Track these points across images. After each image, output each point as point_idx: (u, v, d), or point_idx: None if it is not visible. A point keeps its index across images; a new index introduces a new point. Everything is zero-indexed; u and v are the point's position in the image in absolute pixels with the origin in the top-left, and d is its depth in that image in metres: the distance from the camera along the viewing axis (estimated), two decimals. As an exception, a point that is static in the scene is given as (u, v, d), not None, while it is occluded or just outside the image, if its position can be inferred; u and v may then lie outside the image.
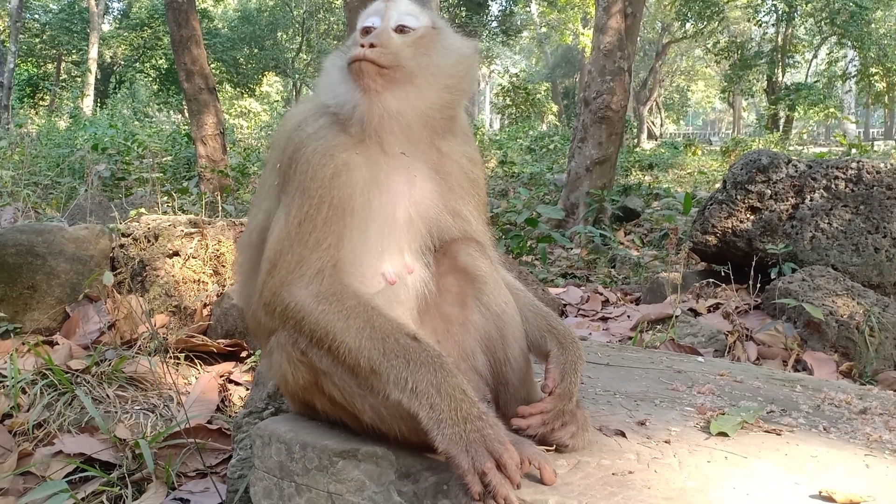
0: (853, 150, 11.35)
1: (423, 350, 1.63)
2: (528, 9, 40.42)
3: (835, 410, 2.29)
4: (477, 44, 2.00)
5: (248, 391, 3.31)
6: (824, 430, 2.09)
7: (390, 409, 1.65)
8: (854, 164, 5.16)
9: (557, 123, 32.84)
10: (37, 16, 34.75)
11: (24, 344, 3.67)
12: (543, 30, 43.75)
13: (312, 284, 1.71)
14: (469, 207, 1.98)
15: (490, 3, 36.00)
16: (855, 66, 33.12)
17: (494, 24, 37.69)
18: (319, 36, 38.91)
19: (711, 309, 4.85)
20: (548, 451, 1.76)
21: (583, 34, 34.05)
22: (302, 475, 1.75)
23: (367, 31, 1.88)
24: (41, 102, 32.06)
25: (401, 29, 1.86)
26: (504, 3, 37.20)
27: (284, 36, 40.32)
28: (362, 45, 1.79)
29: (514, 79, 29.72)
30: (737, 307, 4.67)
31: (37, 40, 34.22)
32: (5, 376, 3.28)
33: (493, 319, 1.89)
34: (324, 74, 1.94)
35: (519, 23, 40.82)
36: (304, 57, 39.02)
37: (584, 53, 32.74)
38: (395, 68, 1.79)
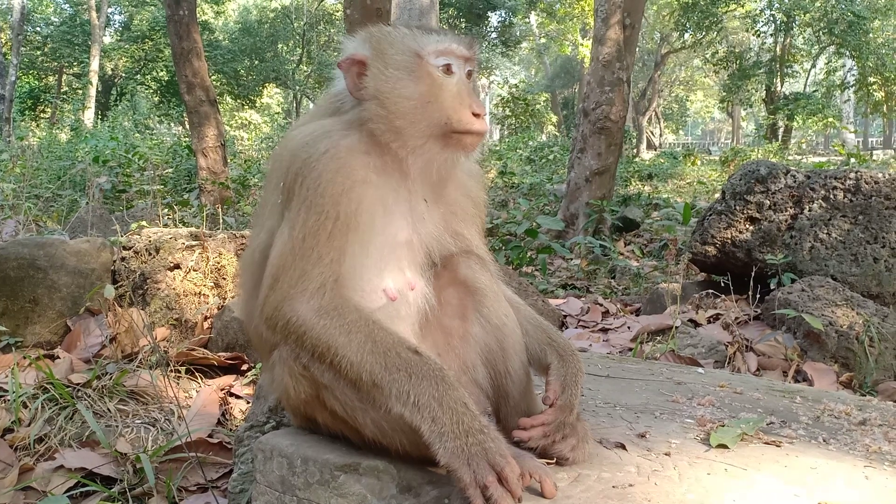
0: (852, 160, 11.37)
1: (424, 363, 1.64)
2: (527, 20, 40.64)
3: (834, 422, 2.30)
4: None
5: (249, 404, 3.31)
6: (824, 441, 2.09)
7: (392, 422, 1.66)
8: (852, 175, 5.18)
9: (557, 134, 32.95)
10: (38, 28, 34.90)
11: (25, 358, 3.67)
12: (542, 41, 43.98)
13: (314, 299, 1.72)
14: (471, 230, 2.02)
15: (489, 14, 36.19)
16: (853, 75, 33.23)
17: (494, 35, 37.89)
18: (320, 48, 39.07)
19: (711, 320, 4.85)
20: (548, 463, 1.77)
21: (582, 45, 34.21)
22: (304, 489, 1.76)
23: (448, 69, 1.84)
24: (42, 115, 32.16)
25: (469, 74, 1.89)
26: (503, 15, 37.40)
27: (285, 48, 40.49)
28: (476, 114, 1.82)
29: (514, 89, 29.86)
30: (736, 318, 4.68)
31: (38, 53, 34.37)
32: (6, 390, 3.28)
33: (494, 332, 1.90)
34: (392, 97, 1.84)
35: (518, 34, 41.02)
36: (305, 69, 39.17)
37: (584, 64, 32.86)
38: None
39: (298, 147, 1.84)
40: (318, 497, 1.74)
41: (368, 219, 1.80)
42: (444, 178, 1.94)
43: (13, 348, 4.06)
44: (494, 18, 37.73)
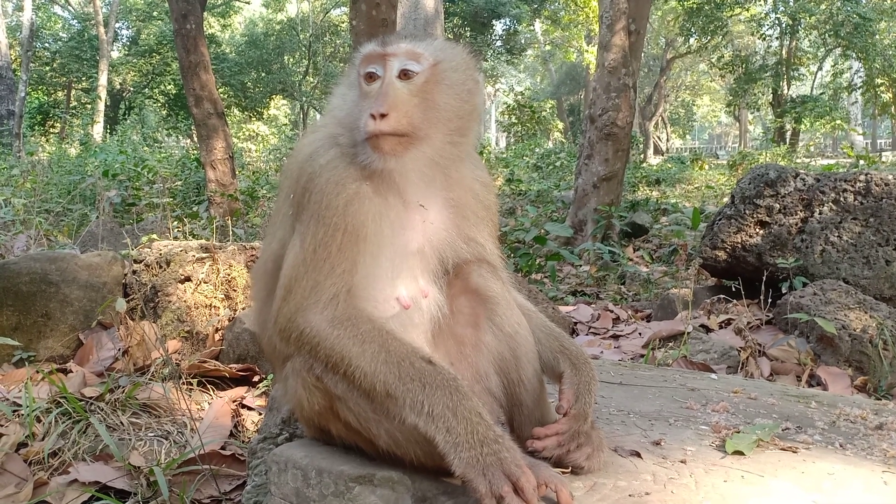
0: (861, 162, 11.32)
1: (438, 373, 1.64)
2: (532, 27, 40.69)
3: (850, 426, 2.28)
4: (480, 75, 1.98)
5: (261, 416, 3.32)
6: (840, 446, 2.08)
7: (406, 433, 1.66)
8: (862, 177, 5.16)
9: (563, 140, 32.92)
10: (47, 44, 35.26)
11: (38, 372, 3.69)
12: (548, 48, 44.04)
13: (327, 310, 1.72)
14: (483, 234, 2.00)
15: (494, 22, 36.28)
16: (860, 77, 33.12)
17: (499, 43, 37.97)
18: (326, 59, 39.27)
19: (723, 325, 4.82)
20: (563, 473, 1.77)
21: (587, 51, 34.22)
22: (318, 501, 1.76)
23: (370, 76, 1.86)
24: (52, 130, 32.39)
25: (404, 74, 1.83)
26: (508, 23, 37.47)
27: (291, 59, 40.70)
28: (373, 116, 1.76)
29: (520, 97, 29.83)
30: (749, 323, 4.65)
31: (47, 68, 34.69)
32: (20, 405, 3.29)
33: (506, 340, 1.90)
34: (335, 111, 1.95)
35: (523, 41, 41.10)
36: (311, 80, 39.37)
37: (589, 70, 32.90)
38: (410, 133, 1.79)
39: (304, 160, 1.88)
40: (333, 509, 1.74)
41: (376, 229, 1.80)
42: (433, 181, 1.90)
43: (26, 363, 4.08)
44: (499, 26, 37.81)
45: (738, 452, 1.94)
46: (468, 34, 34.17)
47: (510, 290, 1.99)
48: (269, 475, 1.89)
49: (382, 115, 1.76)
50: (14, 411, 3.26)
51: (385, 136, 1.76)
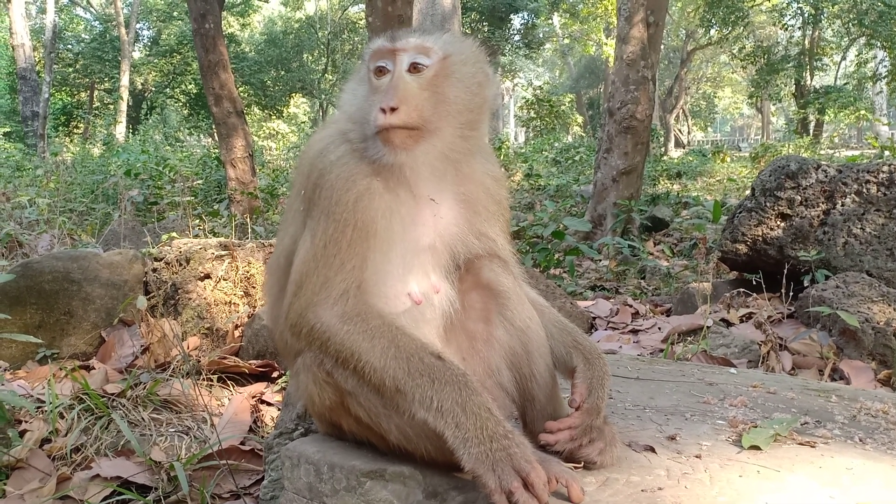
0: (885, 153, 11.13)
1: (447, 369, 1.64)
2: (550, 21, 40.47)
3: (871, 421, 2.24)
4: (490, 69, 1.97)
5: (280, 412, 3.34)
6: (860, 441, 2.05)
7: (416, 428, 1.66)
8: (886, 168, 5.07)
9: (583, 134, 32.76)
10: (70, 46, 35.71)
11: (61, 369, 3.75)
12: (566, 41, 43.75)
13: (337, 305, 1.73)
14: (495, 228, 2.00)
15: (512, 16, 36.13)
16: (885, 66, 32.51)
17: (517, 37, 37.81)
18: (344, 56, 39.41)
19: (744, 319, 4.77)
20: (575, 468, 1.76)
21: (606, 44, 34.00)
22: (331, 496, 1.77)
23: (380, 71, 1.86)
24: (75, 130, 32.83)
25: (414, 67, 1.83)
26: (526, 17, 37.31)
27: (310, 57, 40.87)
28: (383, 110, 1.76)
29: (538, 91, 29.69)
30: (770, 316, 4.59)
31: (70, 70, 35.14)
32: (44, 402, 3.35)
33: (518, 335, 1.89)
34: (345, 106, 1.95)
35: (541, 35, 40.88)
36: (330, 77, 39.49)
37: (608, 64, 32.65)
38: (421, 126, 1.79)
39: (315, 156, 1.89)
40: (346, 503, 1.75)
41: (386, 224, 1.80)
42: (444, 175, 1.89)
43: (49, 360, 4.15)
44: (517, 21, 37.64)
45: (755, 447, 1.91)
46: (486, 29, 34.06)
47: (522, 285, 1.98)
48: (283, 470, 1.90)
49: (393, 109, 1.76)
50: (38, 408, 3.31)
51: (395, 130, 1.76)
